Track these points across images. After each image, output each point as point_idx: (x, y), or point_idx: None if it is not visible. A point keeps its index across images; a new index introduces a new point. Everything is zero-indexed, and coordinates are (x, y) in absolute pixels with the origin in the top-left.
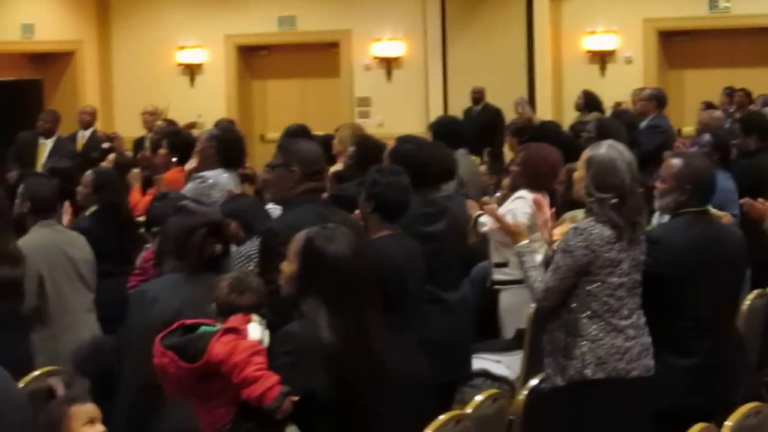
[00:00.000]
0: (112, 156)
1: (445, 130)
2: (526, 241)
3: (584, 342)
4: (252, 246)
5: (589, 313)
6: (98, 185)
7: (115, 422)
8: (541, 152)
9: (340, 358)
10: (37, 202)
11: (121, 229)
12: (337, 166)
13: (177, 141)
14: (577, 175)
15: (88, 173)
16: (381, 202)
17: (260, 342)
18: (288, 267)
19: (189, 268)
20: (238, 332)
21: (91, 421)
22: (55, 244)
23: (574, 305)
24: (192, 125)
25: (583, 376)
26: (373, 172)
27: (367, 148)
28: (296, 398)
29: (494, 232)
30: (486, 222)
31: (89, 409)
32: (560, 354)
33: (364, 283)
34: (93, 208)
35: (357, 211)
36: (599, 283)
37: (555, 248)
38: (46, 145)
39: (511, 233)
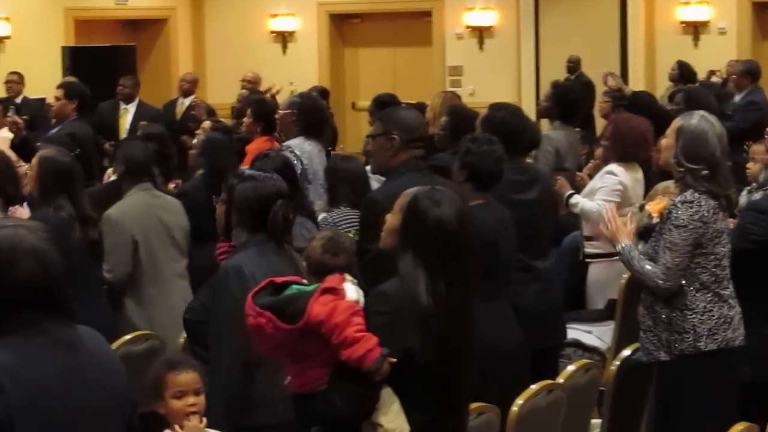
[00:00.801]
0: (207, 123)
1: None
2: (628, 242)
3: (693, 315)
4: (338, 214)
5: (697, 285)
6: (206, 149)
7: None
8: (629, 123)
9: (436, 321)
10: (133, 165)
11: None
12: None
13: (261, 110)
14: (664, 142)
15: (200, 136)
16: (474, 171)
17: (357, 302)
18: (391, 220)
19: (272, 240)
20: (337, 292)
21: (183, 394)
22: (150, 209)
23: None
24: (269, 91)
25: (697, 349)
26: (467, 141)
27: (460, 117)
28: (394, 360)
29: (594, 225)
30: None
31: (184, 380)
32: (662, 328)
33: (466, 248)
34: (200, 171)
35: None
36: (709, 255)
37: (653, 221)
38: (128, 111)
39: (612, 238)
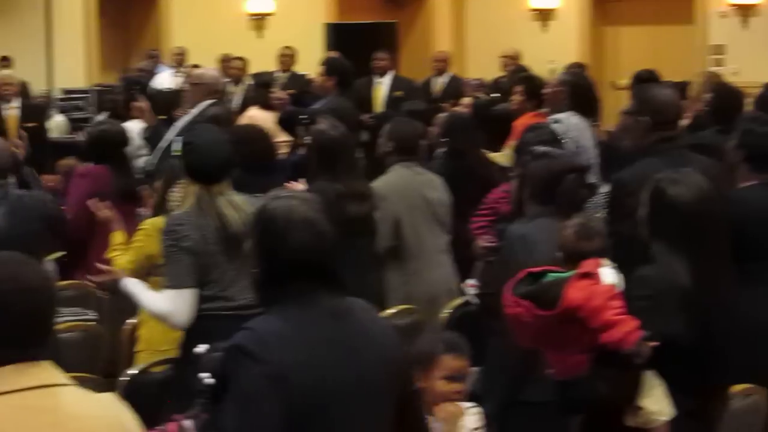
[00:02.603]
0: (467, 99)
1: None
2: None
3: None
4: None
5: None
6: (448, 128)
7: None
8: None
9: (697, 303)
10: (402, 142)
11: (469, 172)
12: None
13: (531, 86)
14: None
15: (443, 116)
16: (754, 151)
17: (614, 286)
18: (641, 209)
19: (559, 214)
20: (593, 277)
21: (452, 378)
22: (412, 185)
23: None
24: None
25: None
26: (748, 120)
27: (724, 95)
28: (656, 343)
29: None
30: None
31: (458, 365)
32: None
33: (710, 229)
34: (441, 149)
35: None
36: None
37: None
38: (383, 83)
39: None
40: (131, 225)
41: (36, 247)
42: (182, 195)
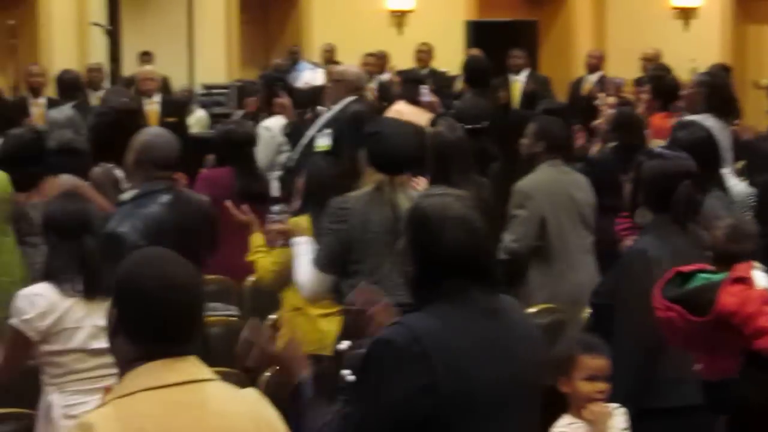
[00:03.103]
0: (611, 99)
1: None
2: None
3: None
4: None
5: None
6: (618, 124)
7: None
8: None
9: None
10: (551, 141)
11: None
12: None
13: (660, 85)
14: None
15: (609, 111)
16: None
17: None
18: None
19: (675, 221)
20: (746, 281)
21: (593, 378)
22: (559, 184)
23: None
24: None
25: None
26: None
27: None
28: None
29: None
30: None
31: (598, 365)
32: None
33: None
34: (611, 145)
35: None
36: None
37: None
38: (519, 80)
39: None
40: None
41: (195, 243)
42: (368, 182)
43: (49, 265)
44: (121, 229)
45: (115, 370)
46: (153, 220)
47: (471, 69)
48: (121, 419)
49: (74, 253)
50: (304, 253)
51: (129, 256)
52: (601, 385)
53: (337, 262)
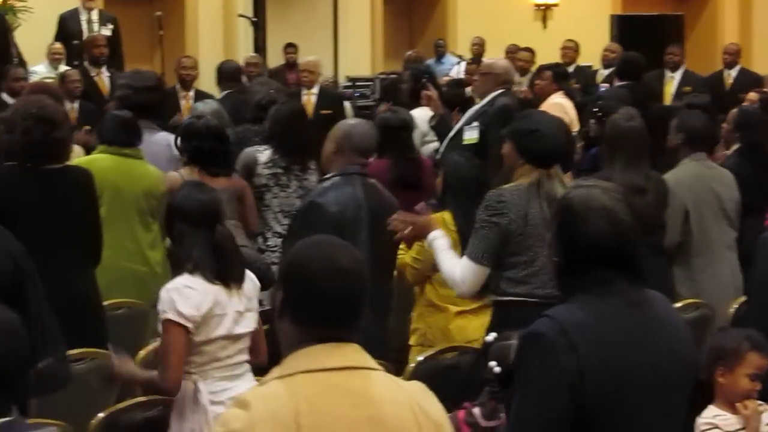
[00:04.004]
0: (753, 95)
1: None
2: None
3: None
4: None
5: None
6: (740, 123)
7: None
8: None
9: None
10: (691, 134)
11: (764, 166)
12: None
13: None
14: None
15: (733, 111)
16: None
17: None
18: None
19: None
20: None
21: (756, 377)
22: (702, 179)
23: None
24: None
25: None
26: None
27: None
28: None
29: None
30: None
31: (761, 363)
32: None
33: None
34: (735, 146)
35: None
36: None
37: None
38: (674, 78)
39: None
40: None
41: (383, 228)
42: (518, 177)
43: (186, 255)
44: (320, 200)
45: (246, 357)
46: (350, 198)
47: (624, 62)
48: (277, 397)
49: (209, 241)
50: (443, 248)
51: (297, 243)
52: (758, 384)
53: (493, 254)
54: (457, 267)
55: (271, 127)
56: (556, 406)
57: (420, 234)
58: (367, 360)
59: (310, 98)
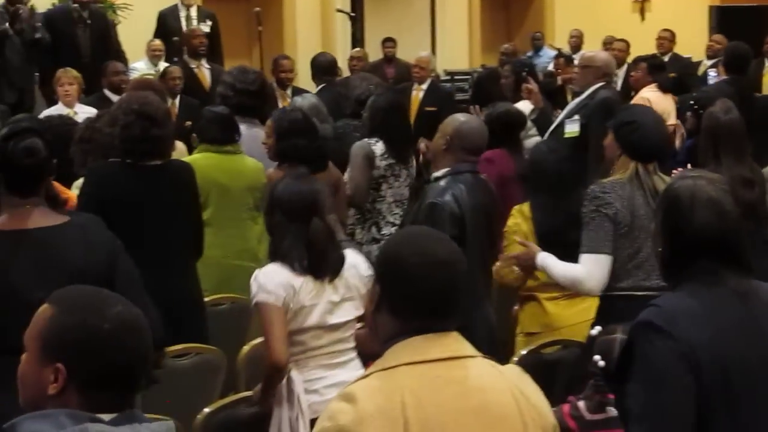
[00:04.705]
0: None
1: None
2: None
3: None
4: None
5: None
6: None
7: None
8: None
9: None
10: None
11: None
12: None
13: None
14: None
15: None
16: None
17: None
18: None
19: None
20: None
21: None
22: None
23: None
24: None
25: None
26: None
27: None
28: None
29: None
30: None
31: None
32: None
33: None
34: None
35: None
36: None
37: None
38: None
39: None
40: None
41: (494, 224)
42: (618, 170)
43: (277, 246)
44: (440, 200)
45: (348, 345)
46: (466, 196)
47: (731, 55)
48: (383, 391)
49: (302, 234)
50: (553, 263)
51: (392, 235)
52: None
53: (610, 241)
54: (577, 266)
55: (370, 118)
56: (683, 386)
57: (528, 264)
58: (467, 348)
59: (418, 94)
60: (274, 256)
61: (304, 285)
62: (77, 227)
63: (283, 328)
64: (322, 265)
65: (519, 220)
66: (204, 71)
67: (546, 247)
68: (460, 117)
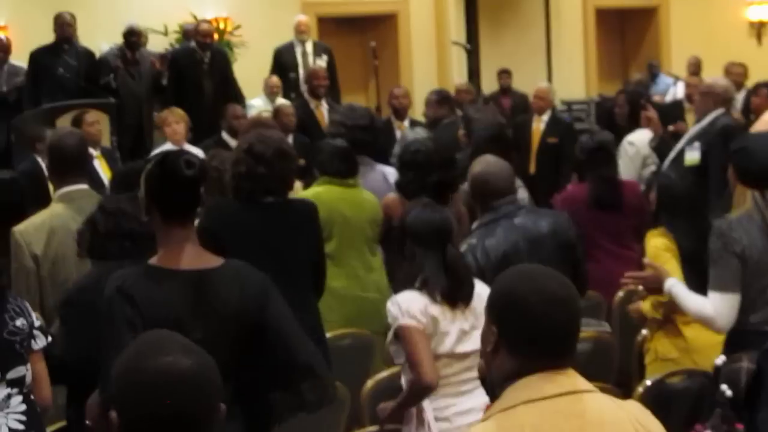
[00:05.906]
0: None
1: None
2: None
3: None
4: None
5: None
6: None
7: None
8: None
9: None
10: None
11: None
12: None
13: None
14: None
15: None
16: None
17: None
18: None
19: None
20: None
21: None
22: None
23: None
24: None
25: None
26: None
27: None
28: None
29: None
30: None
31: None
32: None
33: None
34: None
35: None
36: None
37: None
38: None
39: None
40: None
41: (571, 255)
42: (738, 199)
43: (413, 274)
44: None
45: (474, 374)
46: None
47: None
48: (505, 429)
49: (439, 261)
50: (684, 293)
51: (505, 272)
52: None
53: (738, 279)
54: (707, 303)
55: (472, 153)
56: None
57: (654, 286)
58: (584, 383)
59: (539, 125)
60: (410, 284)
61: (441, 313)
62: (233, 270)
63: (430, 350)
64: (458, 293)
65: (665, 240)
66: (323, 111)
67: (690, 270)
68: (487, 159)
